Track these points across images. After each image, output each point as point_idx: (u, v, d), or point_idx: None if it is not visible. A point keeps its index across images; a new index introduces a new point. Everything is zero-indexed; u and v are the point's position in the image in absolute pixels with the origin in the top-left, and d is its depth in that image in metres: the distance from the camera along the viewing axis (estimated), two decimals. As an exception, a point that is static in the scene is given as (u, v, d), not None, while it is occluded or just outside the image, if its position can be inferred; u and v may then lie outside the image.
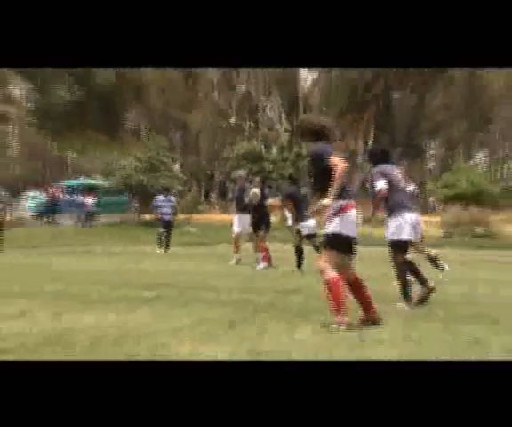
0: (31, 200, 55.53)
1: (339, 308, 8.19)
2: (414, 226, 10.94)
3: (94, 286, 13.17)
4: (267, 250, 18.41)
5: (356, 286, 8.57)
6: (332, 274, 8.24)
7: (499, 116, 78.43)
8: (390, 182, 10.77)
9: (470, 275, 16.77)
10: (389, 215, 10.86)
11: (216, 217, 49.39)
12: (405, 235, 10.76)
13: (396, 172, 11.13)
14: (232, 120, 79.35)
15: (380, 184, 10.71)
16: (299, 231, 17.02)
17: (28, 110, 77.18)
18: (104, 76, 68.86)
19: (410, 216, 10.85)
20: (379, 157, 11.28)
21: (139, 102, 74.85)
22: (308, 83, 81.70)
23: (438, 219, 44.19)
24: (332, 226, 8.26)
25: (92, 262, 20.24)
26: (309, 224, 16.58)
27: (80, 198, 51.00)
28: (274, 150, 60.78)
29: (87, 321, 8.66)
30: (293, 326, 8.20)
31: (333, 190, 8.04)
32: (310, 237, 16.79)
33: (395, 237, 10.79)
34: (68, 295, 11.52)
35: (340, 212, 8.22)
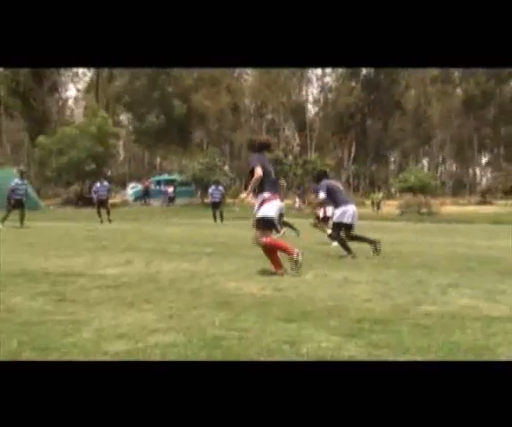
0: (132, 189, 56.08)
1: (288, 251, 8.23)
2: (353, 214, 11.25)
3: (173, 244, 13.19)
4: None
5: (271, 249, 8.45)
6: (267, 240, 8.23)
7: (436, 136, 78.66)
8: (332, 189, 11.38)
9: (417, 239, 16.67)
10: (335, 207, 11.41)
11: (251, 201, 49.46)
12: (347, 220, 11.12)
13: (335, 182, 12.01)
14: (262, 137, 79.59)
15: (322, 195, 11.32)
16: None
17: (131, 131, 77.70)
18: (179, 109, 68.97)
19: (351, 206, 11.29)
20: (322, 176, 11.99)
21: (202, 125, 74.97)
22: (312, 113, 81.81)
23: (397, 202, 44.48)
24: (261, 212, 8.24)
25: (171, 229, 20.28)
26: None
27: (164, 188, 51.40)
28: (290, 157, 60.60)
29: (168, 268, 8.68)
30: (301, 272, 8.17)
31: (250, 187, 8.26)
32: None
33: (339, 220, 11.16)
34: (156, 250, 11.55)
35: (264, 201, 8.20)
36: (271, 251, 8.35)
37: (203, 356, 3.89)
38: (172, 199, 49.69)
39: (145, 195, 52.47)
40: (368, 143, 79.25)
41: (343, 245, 11.07)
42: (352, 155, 77.38)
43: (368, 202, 49.35)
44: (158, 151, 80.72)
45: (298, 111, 78.93)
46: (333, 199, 11.45)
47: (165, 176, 59.37)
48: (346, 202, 11.33)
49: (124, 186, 64.68)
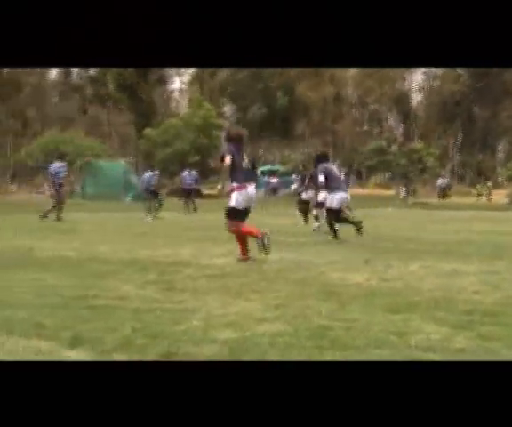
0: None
1: (253, 234, 8.60)
2: (344, 200, 12.05)
3: (278, 235, 13.26)
4: None
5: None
6: (234, 228, 8.65)
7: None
8: (329, 173, 11.88)
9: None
10: (330, 193, 11.92)
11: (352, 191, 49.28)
12: (337, 205, 11.78)
13: (333, 166, 12.55)
14: (365, 127, 78.99)
15: (321, 178, 11.86)
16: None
17: (233, 122, 78.73)
18: (280, 101, 69.36)
19: (341, 194, 11.89)
20: (322, 158, 12.47)
21: (304, 116, 75.03)
22: (416, 102, 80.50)
23: (504, 192, 43.59)
24: (229, 203, 8.58)
25: (273, 220, 20.36)
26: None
27: (267, 178, 51.72)
28: (393, 147, 59.82)
29: (273, 258, 8.54)
30: (404, 263, 8.08)
31: (223, 178, 9.17)
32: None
33: (333, 206, 11.76)
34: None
35: (232, 191, 8.52)
36: (241, 238, 8.68)
37: (309, 345, 3.91)
38: (275, 190, 49.96)
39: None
40: (475, 131, 76.98)
41: (331, 228, 11.86)
42: (458, 144, 75.41)
43: (475, 191, 48.59)
44: (260, 143, 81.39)
45: (401, 100, 77.83)
46: (327, 184, 12.05)
47: (268, 167, 59.72)
48: (338, 188, 11.92)
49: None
